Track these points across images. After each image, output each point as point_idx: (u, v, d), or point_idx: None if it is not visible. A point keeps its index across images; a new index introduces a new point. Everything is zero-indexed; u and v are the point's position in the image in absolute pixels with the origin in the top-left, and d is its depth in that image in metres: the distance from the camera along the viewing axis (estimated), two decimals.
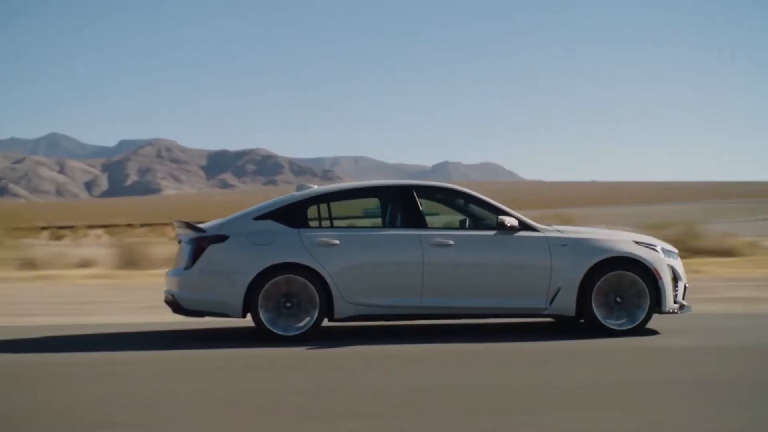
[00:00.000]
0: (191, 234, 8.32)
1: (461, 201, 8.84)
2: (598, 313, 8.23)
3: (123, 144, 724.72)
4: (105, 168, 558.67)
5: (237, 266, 8.11)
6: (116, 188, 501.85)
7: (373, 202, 8.91)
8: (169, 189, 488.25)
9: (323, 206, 8.54)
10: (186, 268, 8.22)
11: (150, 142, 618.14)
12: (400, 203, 8.48)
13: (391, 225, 8.47)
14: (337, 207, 8.63)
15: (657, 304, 8.26)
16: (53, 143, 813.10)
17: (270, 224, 8.28)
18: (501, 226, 8.30)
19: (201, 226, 8.41)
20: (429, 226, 8.36)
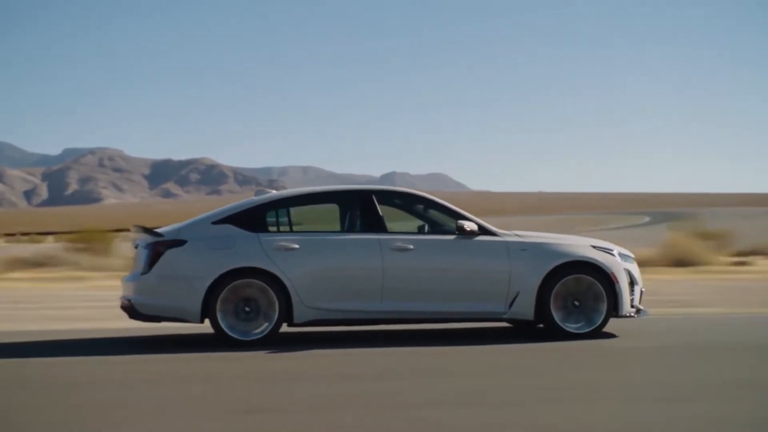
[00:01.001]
0: (148, 238, 8.20)
1: (421, 206, 8.86)
2: (557, 316, 8.28)
3: (67, 152, 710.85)
4: (45, 177, 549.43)
5: (195, 271, 8.01)
6: (56, 197, 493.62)
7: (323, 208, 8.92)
8: (111, 198, 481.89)
9: (282, 211, 8.49)
10: (143, 273, 8.09)
11: (92, 151, 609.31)
12: (360, 208, 8.46)
13: (351, 230, 8.44)
14: (296, 212, 8.59)
15: (614, 307, 8.33)
16: None
17: (229, 228, 8.20)
18: (460, 231, 8.32)
19: (158, 230, 8.30)
20: (389, 230, 8.35)
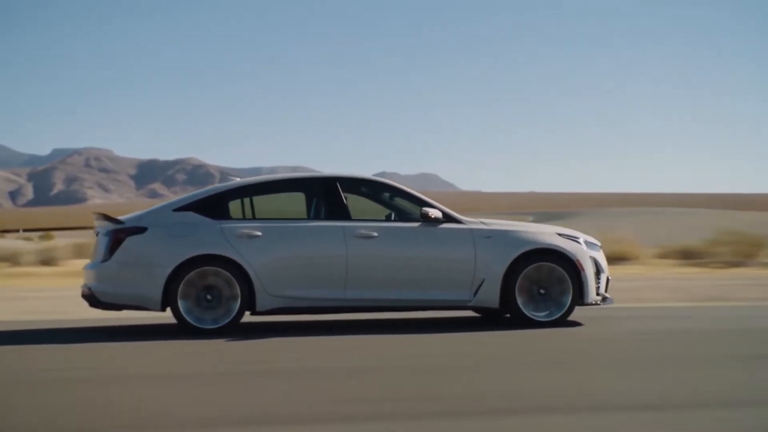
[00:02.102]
0: (109, 226, 8.10)
1: (386, 193, 8.78)
2: (522, 304, 8.21)
3: (56, 152, 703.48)
4: (31, 177, 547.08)
5: (156, 258, 7.92)
6: (41, 198, 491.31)
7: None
8: (96, 198, 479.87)
9: (245, 198, 8.40)
10: (103, 261, 8.00)
11: (78, 151, 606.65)
12: (324, 195, 8.38)
13: (315, 217, 8.37)
14: (259, 199, 8.49)
15: (580, 295, 8.28)
16: None
17: (190, 216, 8.10)
18: (425, 218, 8.25)
19: (119, 218, 8.20)
20: (353, 218, 8.28)
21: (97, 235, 8.35)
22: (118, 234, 7.99)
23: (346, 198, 8.36)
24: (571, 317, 8.37)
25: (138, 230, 8.00)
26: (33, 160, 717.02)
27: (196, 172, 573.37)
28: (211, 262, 7.92)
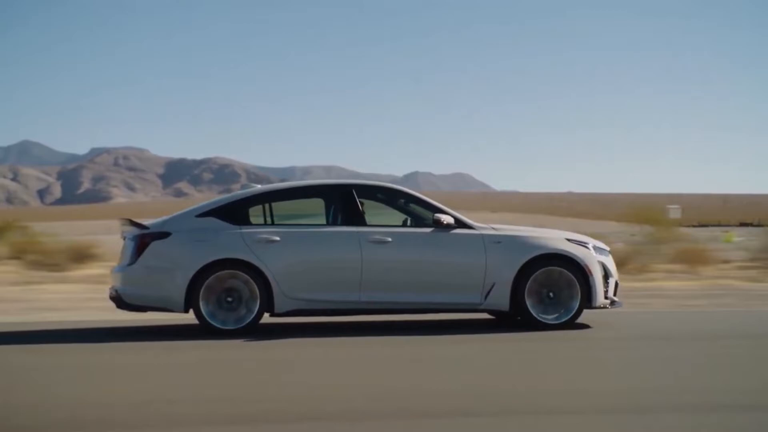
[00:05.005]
0: (135, 231, 8.48)
1: (401, 200, 9.09)
2: (532, 307, 8.49)
3: (93, 151, 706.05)
4: (60, 176, 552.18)
5: (179, 262, 8.28)
6: (69, 196, 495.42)
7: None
8: (120, 197, 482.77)
9: (265, 204, 8.73)
10: (129, 264, 8.37)
11: (109, 150, 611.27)
12: (340, 202, 8.70)
13: (332, 223, 8.69)
14: (278, 205, 8.82)
15: (588, 299, 8.54)
16: (24, 151, 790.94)
17: (212, 221, 8.46)
18: (437, 224, 8.55)
19: (145, 223, 8.58)
20: (368, 223, 8.59)
21: (123, 239, 8.72)
22: (144, 239, 8.36)
23: (362, 204, 8.68)
24: (579, 320, 8.63)
25: (162, 235, 8.37)
26: (71, 158, 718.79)
27: (223, 171, 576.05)
28: (232, 266, 8.27)
